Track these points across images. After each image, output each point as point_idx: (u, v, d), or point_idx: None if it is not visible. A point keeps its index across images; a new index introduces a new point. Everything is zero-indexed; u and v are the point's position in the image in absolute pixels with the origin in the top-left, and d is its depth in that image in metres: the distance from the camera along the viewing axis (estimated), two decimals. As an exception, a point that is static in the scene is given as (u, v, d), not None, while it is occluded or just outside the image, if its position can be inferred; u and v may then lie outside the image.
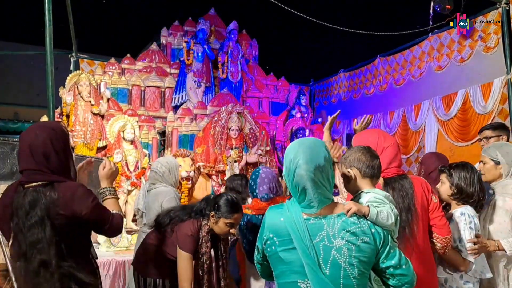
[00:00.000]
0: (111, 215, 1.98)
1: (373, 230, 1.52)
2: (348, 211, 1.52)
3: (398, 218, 1.65)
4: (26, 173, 1.85)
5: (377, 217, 1.54)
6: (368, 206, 1.57)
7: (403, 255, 1.57)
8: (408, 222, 2.11)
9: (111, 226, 1.97)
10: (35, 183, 1.83)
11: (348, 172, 1.81)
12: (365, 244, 1.48)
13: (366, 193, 1.73)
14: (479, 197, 2.41)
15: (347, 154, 1.88)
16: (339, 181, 2.42)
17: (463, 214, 2.38)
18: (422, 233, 2.16)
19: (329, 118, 2.72)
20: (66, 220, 1.82)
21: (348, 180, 1.83)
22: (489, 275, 2.42)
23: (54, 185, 1.84)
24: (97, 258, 2.06)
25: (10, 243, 1.84)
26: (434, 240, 2.21)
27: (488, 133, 3.42)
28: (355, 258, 1.46)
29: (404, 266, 1.54)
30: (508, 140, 3.34)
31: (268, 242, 1.56)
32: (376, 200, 1.65)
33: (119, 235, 3.87)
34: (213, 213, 2.57)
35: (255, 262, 1.74)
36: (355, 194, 1.79)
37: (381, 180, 2.22)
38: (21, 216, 1.80)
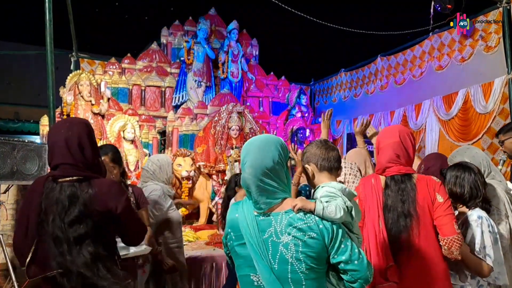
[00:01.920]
0: (141, 221, 1.97)
1: (320, 226, 1.51)
2: (294, 207, 1.52)
3: (353, 210, 1.62)
4: (61, 168, 1.81)
5: (323, 212, 1.52)
6: (315, 201, 1.55)
7: (356, 250, 1.54)
8: (407, 227, 2.06)
9: (139, 231, 1.97)
10: (70, 178, 1.79)
11: (307, 168, 1.84)
12: (312, 239, 1.49)
13: (322, 187, 1.73)
14: (471, 197, 2.31)
15: (305, 150, 1.90)
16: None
17: (481, 217, 2.24)
18: (424, 238, 2.06)
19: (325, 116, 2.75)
20: (101, 217, 1.80)
21: (308, 176, 1.85)
22: (503, 281, 2.26)
23: (90, 181, 1.81)
24: (120, 259, 1.99)
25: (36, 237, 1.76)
26: (440, 243, 2.06)
27: (500, 137, 3.33)
28: (302, 253, 1.48)
29: (356, 262, 1.52)
30: None
31: (228, 236, 1.62)
32: (328, 194, 1.64)
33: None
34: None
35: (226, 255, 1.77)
36: (315, 189, 1.80)
37: (382, 179, 2.19)
38: (59, 212, 1.74)
